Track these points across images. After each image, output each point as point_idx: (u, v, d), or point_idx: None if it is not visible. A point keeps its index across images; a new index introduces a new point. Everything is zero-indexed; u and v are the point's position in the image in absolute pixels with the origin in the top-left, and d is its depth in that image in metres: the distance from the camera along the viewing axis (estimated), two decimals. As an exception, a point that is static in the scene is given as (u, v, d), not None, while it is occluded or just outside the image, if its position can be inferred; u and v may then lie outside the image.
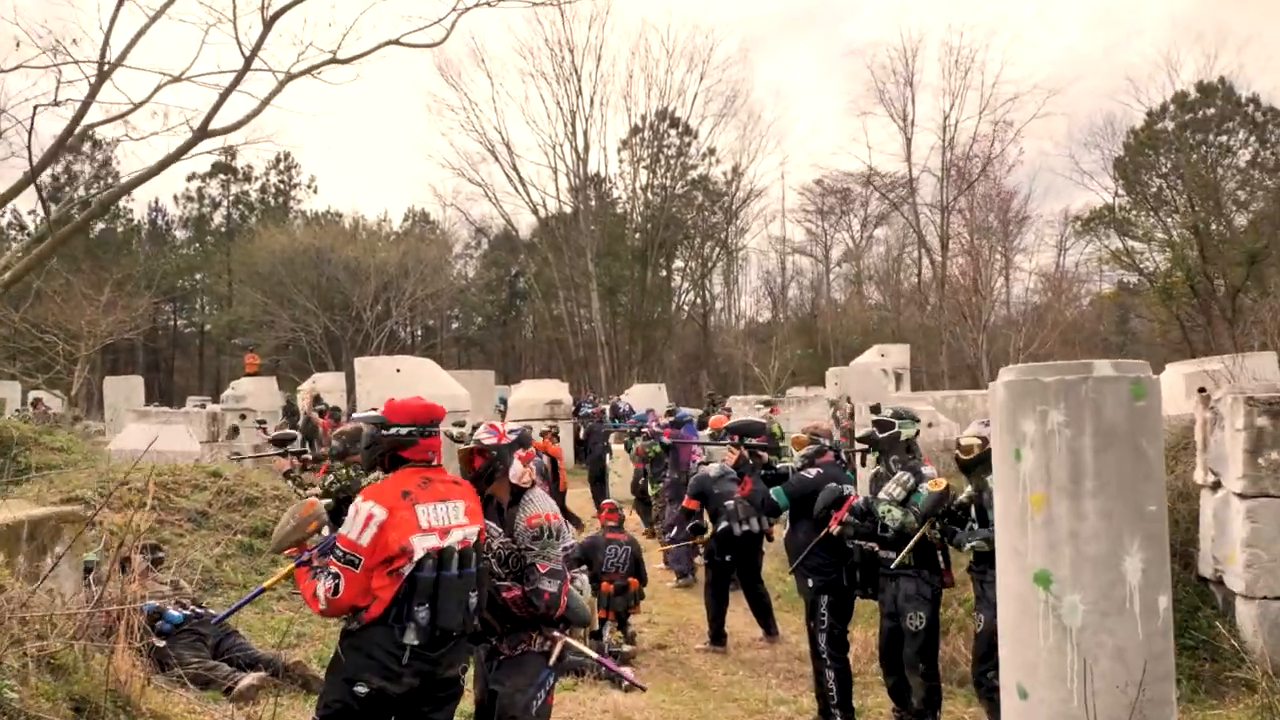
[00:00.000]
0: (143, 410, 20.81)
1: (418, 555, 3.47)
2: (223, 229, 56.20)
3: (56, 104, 7.40)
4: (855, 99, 64.24)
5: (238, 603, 5.43)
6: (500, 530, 4.12)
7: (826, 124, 74.11)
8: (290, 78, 8.45)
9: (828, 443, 6.36)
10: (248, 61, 7.92)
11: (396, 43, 8.44)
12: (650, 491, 13.32)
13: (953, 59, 41.58)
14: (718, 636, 8.41)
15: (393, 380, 15.07)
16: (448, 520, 3.60)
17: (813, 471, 6.19)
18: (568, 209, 46.69)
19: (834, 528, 5.89)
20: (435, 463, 3.80)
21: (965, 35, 52.18)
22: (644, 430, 13.47)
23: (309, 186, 58.19)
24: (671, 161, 48.30)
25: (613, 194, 50.06)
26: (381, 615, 3.46)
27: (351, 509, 3.51)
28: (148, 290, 43.47)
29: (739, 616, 8.80)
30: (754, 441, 6.64)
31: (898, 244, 48.18)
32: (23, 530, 5.04)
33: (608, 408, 21.02)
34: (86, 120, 7.76)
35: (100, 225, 52.66)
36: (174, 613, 5.69)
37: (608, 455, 16.01)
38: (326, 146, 51.99)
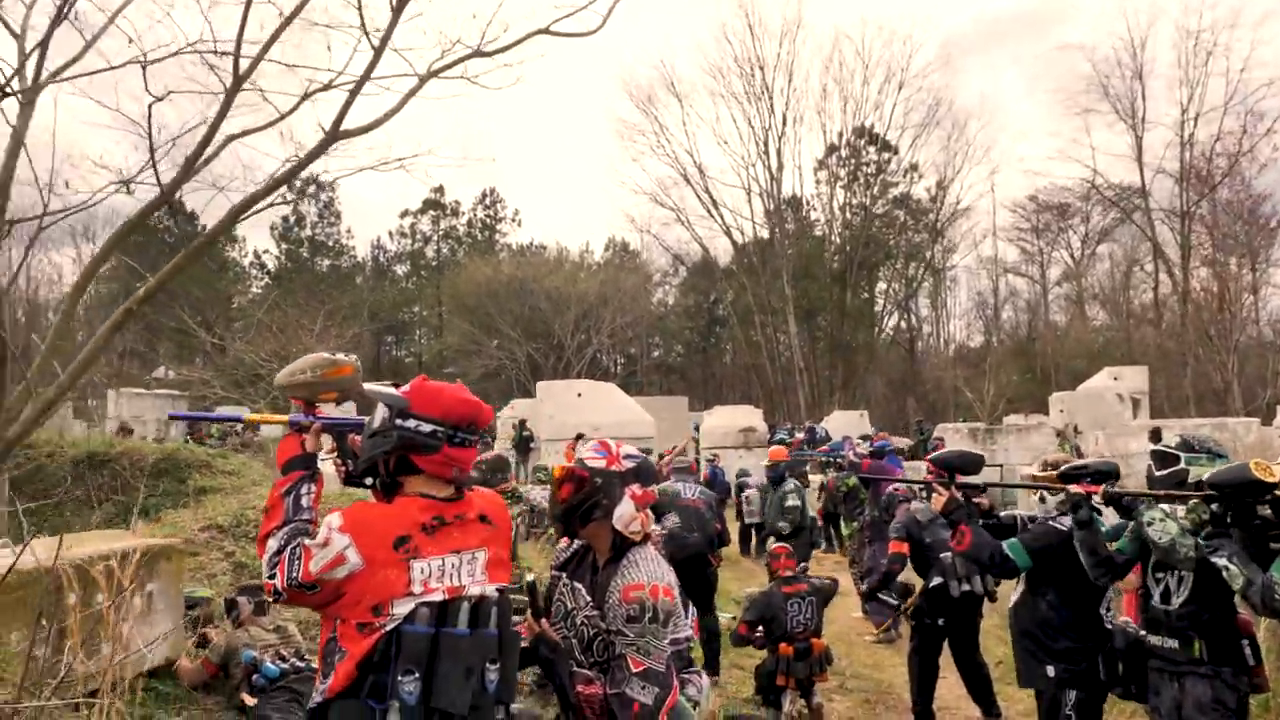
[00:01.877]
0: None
1: (401, 611, 2.44)
2: (434, 263, 58.58)
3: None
4: (1073, 96, 59.61)
5: (200, 414, 4.54)
6: (588, 598, 2.95)
7: (1040, 129, 69.60)
8: (431, 74, 7.91)
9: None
10: (378, 52, 7.45)
11: (547, 31, 7.72)
12: (844, 531, 12.03)
13: (1191, 43, 37.78)
14: (924, 716, 6.98)
15: (574, 405, 14.51)
16: (457, 578, 2.54)
17: (1065, 521, 4.55)
18: (763, 231, 45.67)
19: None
20: (459, 484, 2.68)
21: (1205, 16, 46.89)
22: (837, 460, 12.19)
23: (513, 220, 60.05)
24: (870, 179, 46.61)
25: (809, 215, 48.71)
26: (350, 685, 2.41)
27: (324, 526, 2.47)
28: (371, 322, 46.18)
29: (951, 686, 7.33)
30: (970, 480, 5.21)
31: (1125, 259, 44.27)
32: (108, 564, 4.45)
33: (803, 434, 19.75)
34: (226, 131, 7.38)
35: (326, 262, 56.32)
36: (271, 666, 5.01)
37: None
38: (491, 159, 52.93)
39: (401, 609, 2.41)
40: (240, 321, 36.38)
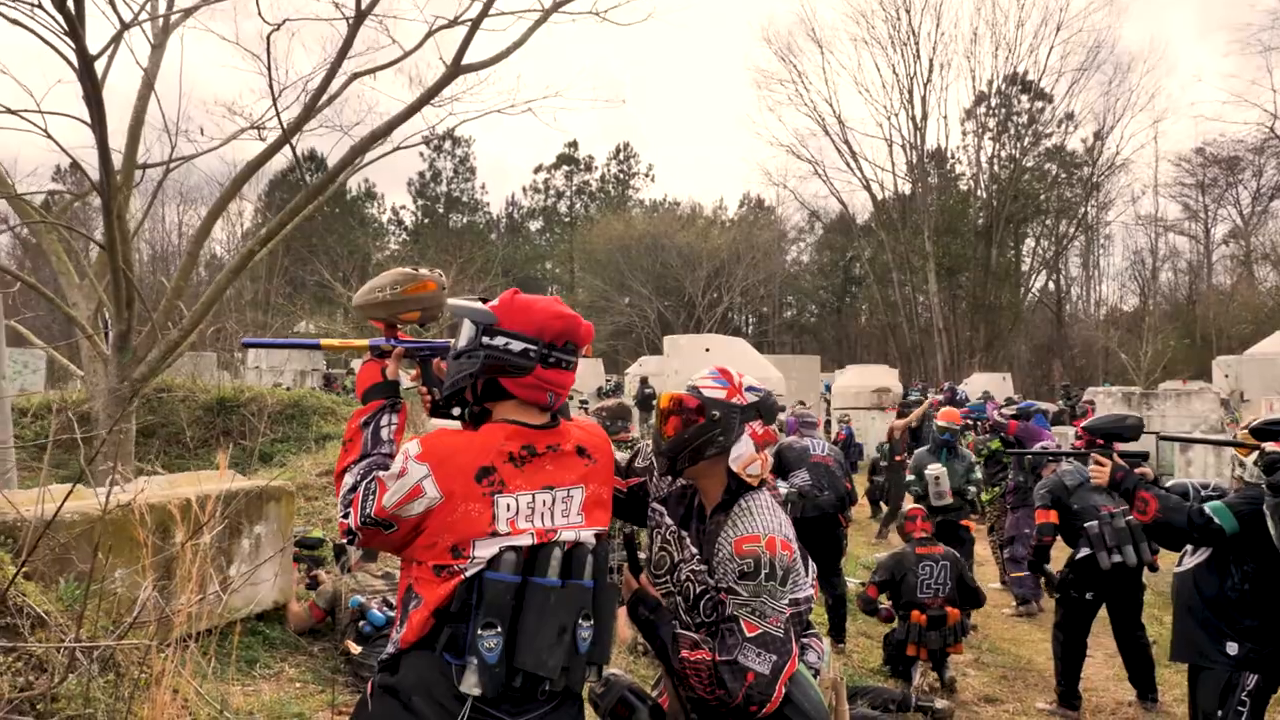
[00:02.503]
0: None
1: (485, 554, 2.12)
2: (566, 219, 58.97)
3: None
4: (1254, 34, 54.99)
5: (275, 340, 4.14)
6: (695, 550, 2.55)
7: (1213, 71, 64.75)
8: (555, 7, 7.55)
9: None
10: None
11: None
12: (983, 497, 11.33)
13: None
14: (1069, 696, 6.38)
15: (702, 360, 14.06)
16: (549, 519, 2.21)
17: None
18: (904, 185, 44.06)
19: None
20: (555, 411, 2.33)
21: None
22: (980, 422, 11.46)
23: (647, 175, 59.84)
24: (1021, 130, 44.29)
25: (954, 168, 46.69)
26: (425, 636, 2.12)
27: (400, 455, 2.18)
28: (504, 278, 46.89)
29: (1098, 665, 6.71)
30: (1129, 448, 4.52)
31: (1303, 214, 40.74)
32: (210, 506, 4.34)
33: (941, 396, 18.88)
34: (349, 70, 7.25)
35: (462, 218, 57.44)
36: (377, 613, 4.85)
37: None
38: (621, 100, 52.43)
39: (484, 551, 2.11)
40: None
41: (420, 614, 2.10)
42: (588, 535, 2.27)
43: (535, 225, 60.53)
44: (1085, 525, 5.97)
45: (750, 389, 2.58)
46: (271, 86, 7.02)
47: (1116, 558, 5.82)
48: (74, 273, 7.86)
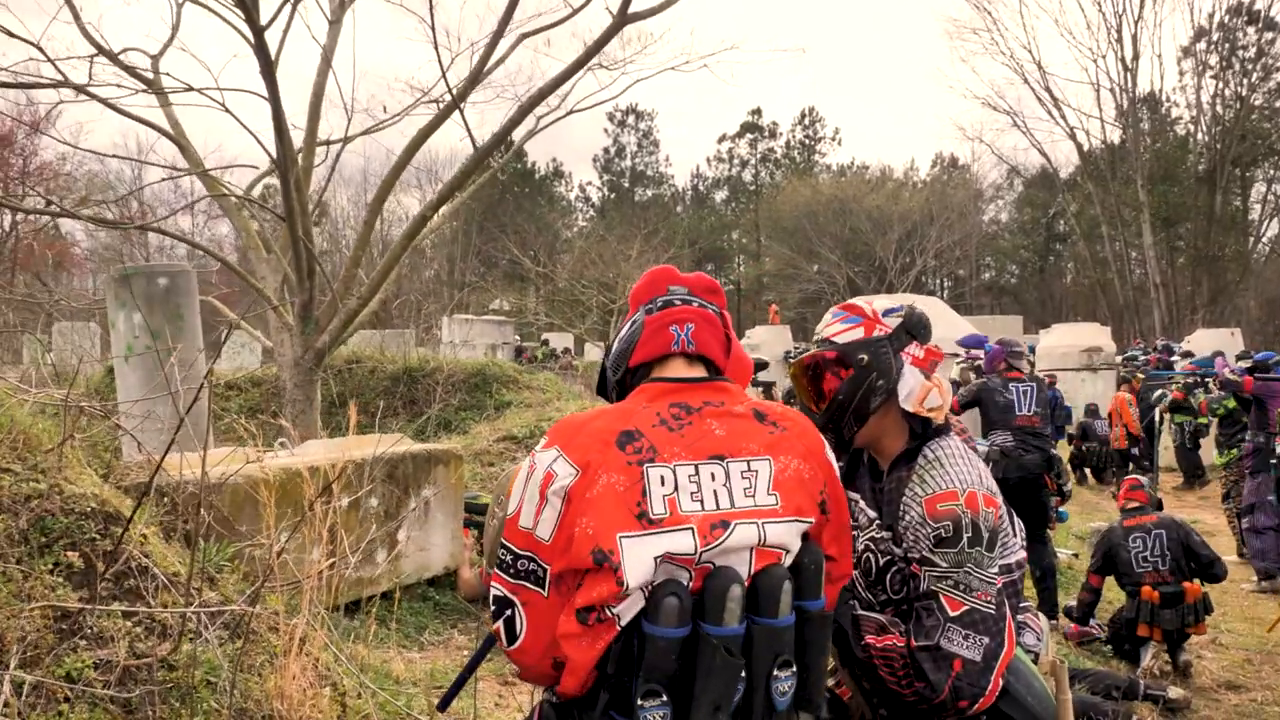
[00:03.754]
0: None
1: (634, 580, 1.56)
2: (752, 187, 58.32)
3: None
4: None
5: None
6: (871, 514, 2.10)
7: None
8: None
9: None
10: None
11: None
12: (1218, 460, 10.23)
13: None
14: (1326, 678, 5.62)
15: (892, 322, 13.43)
16: (725, 500, 1.64)
17: None
18: (1113, 133, 40.89)
19: None
20: (708, 359, 1.83)
21: None
22: (1210, 379, 10.32)
23: (833, 139, 58.33)
24: (1248, 65, 40.12)
25: (1169, 112, 42.96)
26: (582, 699, 1.66)
27: (524, 466, 1.71)
28: (690, 249, 47.05)
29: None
30: None
31: None
32: (375, 469, 4.27)
33: (1158, 354, 17.36)
34: (516, 31, 7.13)
35: (648, 192, 57.76)
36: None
37: (1156, 411, 12.82)
38: (801, 50, 50.84)
39: (636, 557, 1.57)
40: (567, 254, 38.19)
41: (574, 678, 1.63)
42: (787, 531, 1.70)
43: (720, 196, 60.19)
44: None
45: (888, 312, 2.12)
46: (436, 49, 6.97)
47: None
48: (262, 247, 8.14)
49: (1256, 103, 40.48)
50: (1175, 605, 5.70)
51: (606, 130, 57.66)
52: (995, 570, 1.94)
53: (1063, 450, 13.61)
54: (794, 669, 1.66)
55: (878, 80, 73.31)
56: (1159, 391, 12.60)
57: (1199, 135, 41.41)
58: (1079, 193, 43.13)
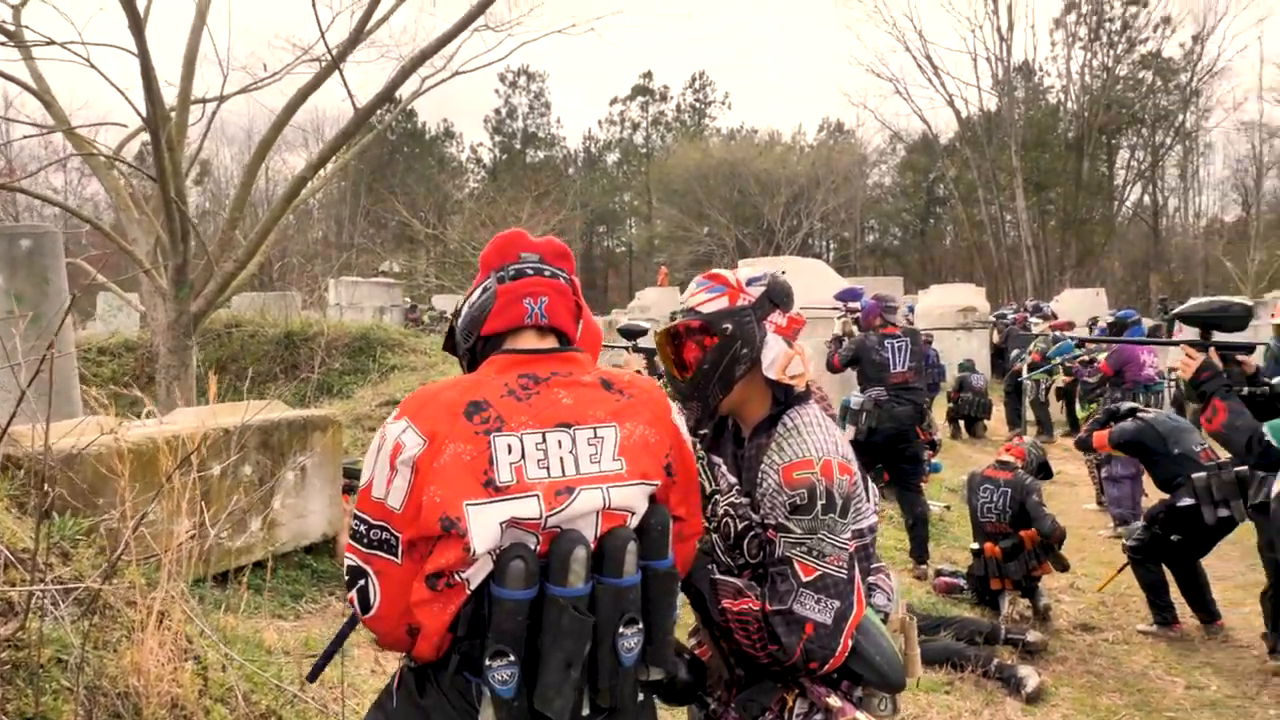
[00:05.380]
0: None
1: (481, 546, 1.61)
2: (643, 150, 58.26)
3: None
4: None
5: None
6: (732, 480, 2.13)
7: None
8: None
9: None
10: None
11: None
12: (1080, 413, 10.79)
13: None
14: (1164, 612, 6.03)
15: (777, 283, 13.66)
16: (571, 466, 1.71)
17: None
18: (989, 100, 42.24)
19: None
20: (560, 331, 1.88)
21: None
22: (1071, 363, 10.93)
23: (723, 103, 58.59)
24: (1114, 37, 41.98)
25: (1042, 81, 44.60)
26: (435, 662, 1.72)
27: (376, 438, 1.74)
28: (580, 211, 46.93)
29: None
30: (1227, 339, 3.95)
31: None
32: (246, 436, 4.16)
33: (1029, 313, 18.13)
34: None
35: (540, 154, 57.09)
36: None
37: (1024, 367, 13.44)
38: (688, 14, 50.28)
39: (482, 523, 1.61)
40: (458, 215, 37.58)
41: (428, 641, 1.68)
42: (628, 495, 1.76)
43: (612, 158, 59.94)
44: (1194, 477, 5.51)
45: (751, 281, 2.15)
46: (314, 6, 6.73)
47: (1224, 511, 5.36)
48: (133, 208, 7.80)
49: (1121, 73, 42.41)
50: (1017, 556, 6.03)
51: (498, 91, 56.73)
52: (848, 536, 2.00)
53: (939, 405, 14.15)
54: (640, 626, 1.73)
55: (767, 45, 73.88)
56: (1017, 351, 13.26)
57: (1069, 104, 43.16)
58: (957, 158, 44.47)
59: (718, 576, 2.07)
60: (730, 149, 49.63)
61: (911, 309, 22.88)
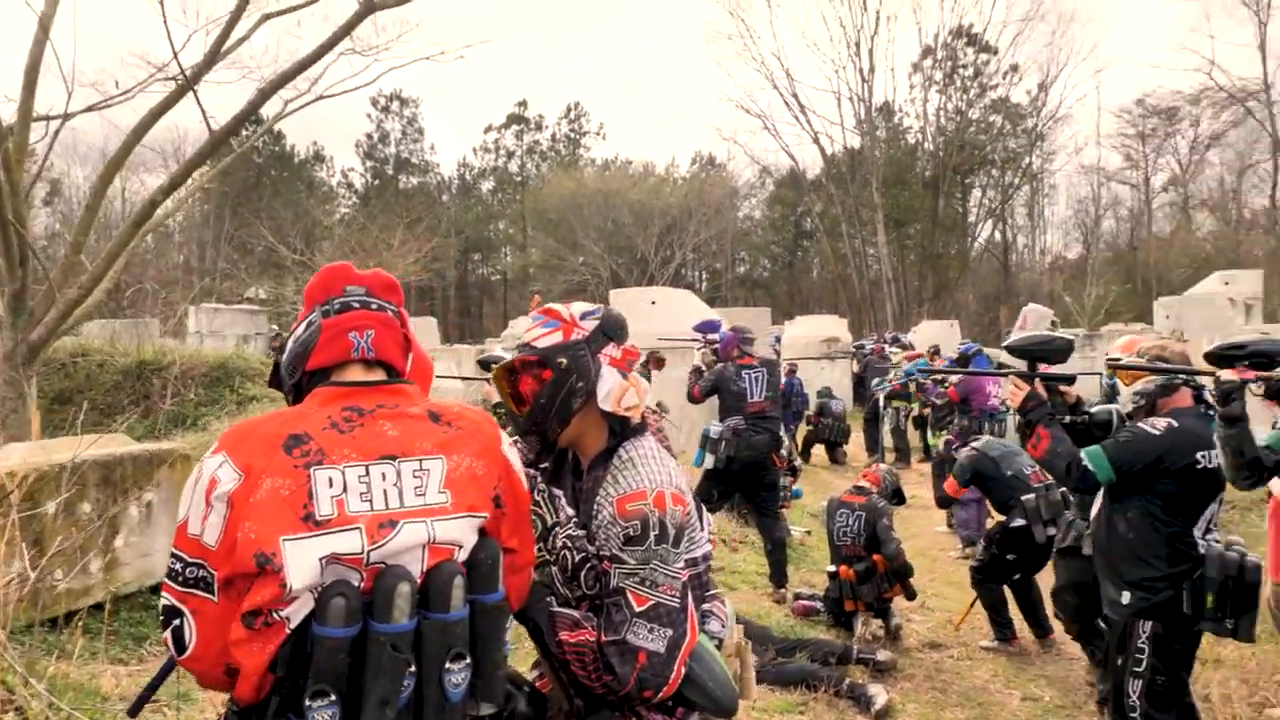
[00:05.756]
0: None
1: (298, 582, 1.59)
2: (518, 178, 58.16)
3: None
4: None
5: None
6: (570, 512, 2.17)
7: (1154, 19, 64.91)
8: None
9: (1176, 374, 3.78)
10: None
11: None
12: (931, 440, 11.27)
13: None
14: (1004, 629, 6.38)
15: (647, 313, 13.83)
16: (395, 499, 1.70)
17: (1160, 424, 3.76)
18: (853, 138, 43.92)
19: None
20: (390, 365, 1.88)
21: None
22: (918, 382, 11.45)
23: (598, 134, 58.98)
24: (967, 83, 44.41)
25: (902, 121, 46.67)
26: (257, 704, 1.66)
27: (194, 473, 1.71)
28: (454, 238, 46.44)
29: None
30: (1053, 371, 4.21)
31: (1239, 160, 41.30)
32: (85, 472, 4.00)
33: (887, 344, 18.85)
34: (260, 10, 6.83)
35: (413, 179, 56.28)
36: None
37: (882, 396, 13.98)
38: (557, 45, 50.57)
39: (300, 559, 1.58)
40: (327, 241, 36.67)
41: (247, 683, 1.63)
42: (454, 528, 1.75)
43: (487, 186, 59.54)
44: (1023, 499, 5.91)
45: (585, 315, 2.23)
46: (165, 24, 6.57)
47: (1052, 530, 5.75)
48: (-34, 232, 7.38)
49: (974, 117, 44.71)
50: (870, 578, 6.28)
51: (370, 116, 55.69)
52: (680, 565, 2.07)
53: (801, 432, 14.59)
54: (468, 661, 1.73)
55: (641, 78, 74.97)
56: (878, 380, 13.81)
57: (926, 144, 45.12)
58: (823, 193, 45.91)
59: (556, 609, 2.10)
60: (605, 179, 50.00)
61: (778, 339, 23.53)
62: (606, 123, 61.54)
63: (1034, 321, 10.72)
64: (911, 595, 6.48)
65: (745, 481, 7.40)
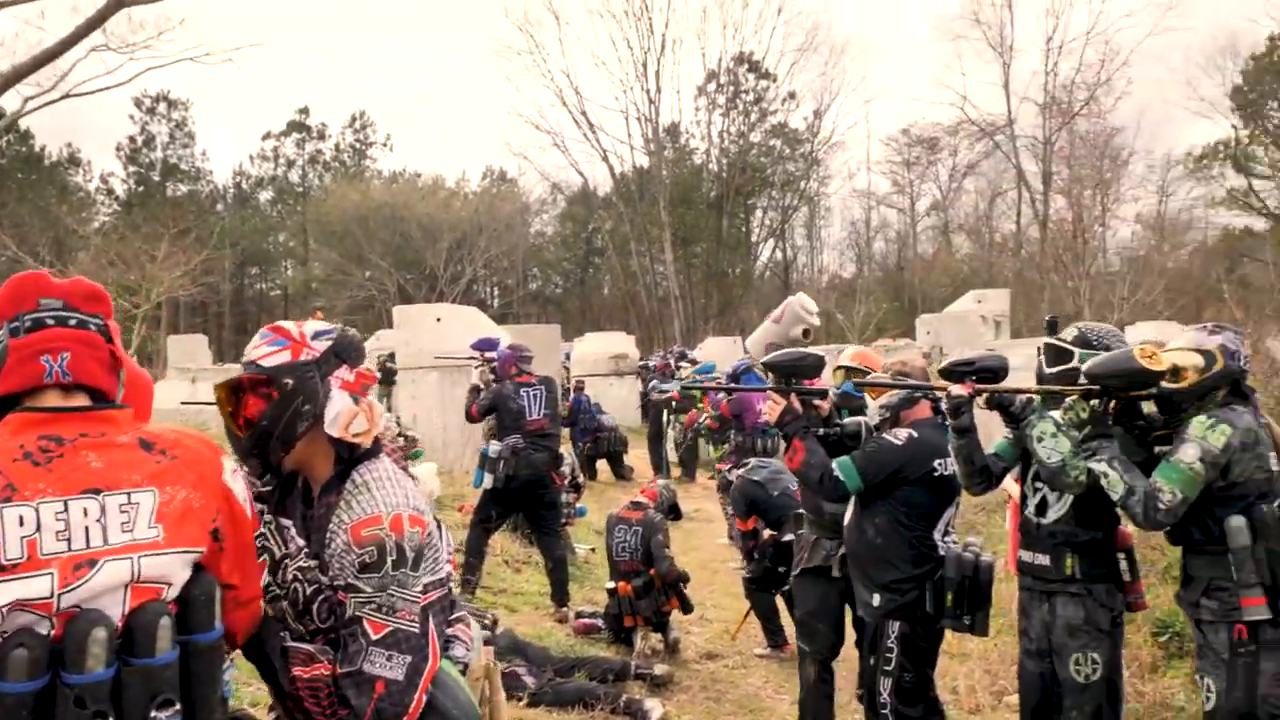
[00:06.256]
0: (183, 368, 19.95)
1: None
2: (299, 189, 55.82)
3: None
4: (947, 21, 60.24)
5: None
6: (302, 543, 2.08)
7: (915, 55, 70.21)
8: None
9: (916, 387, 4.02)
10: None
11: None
12: (713, 454, 11.57)
13: (1057, -31, 38.45)
14: (776, 636, 6.60)
15: (433, 330, 13.52)
16: (97, 537, 1.55)
17: (901, 434, 4.01)
18: (641, 158, 44.90)
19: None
20: (95, 389, 1.70)
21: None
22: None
23: (385, 145, 57.37)
24: (749, 107, 46.28)
25: (688, 142, 48.16)
26: None
27: None
28: (229, 250, 43.92)
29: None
30: (807, 385, 4.35)
31: (990, 189, 45.33)
32: None
33: (673, 360, 19.27)
34: None
35: (182, 187, 52.87)
36: None
37: (665, 412, 14.25)
38: (333, 53, 49.29)
39: None
40: (83, 251, 33.83)
41: None
42: (164, 564, 1.61)
43: (266, 196, 56.71)
44: (794, 513, 6.07)
45: (318, 335, 2.13)
46: None
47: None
48: None
49: (755, 140, 46.69)
50: (648, 593, 6.35)
51: (133, 117, 51.77)
52: (420, 589, 1.99)
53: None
54: (177, 707, 1.59)
55: (431, 90, 73.70)
56: (661, 390, 14.14)
57: (711, 165, 46.65)
58: (613, 211, 46.64)
59: (290, 644, 1.98)
60: (392, 192, 48.83)
61: (568, 356, 23.62)
62: (394, 134, 60.00)
63: (789, 318, 11.05)
64: (688, 608, 6.58)
65: (525, 500, 7.33)
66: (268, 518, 2.07)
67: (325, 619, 1.99)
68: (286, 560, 2.03)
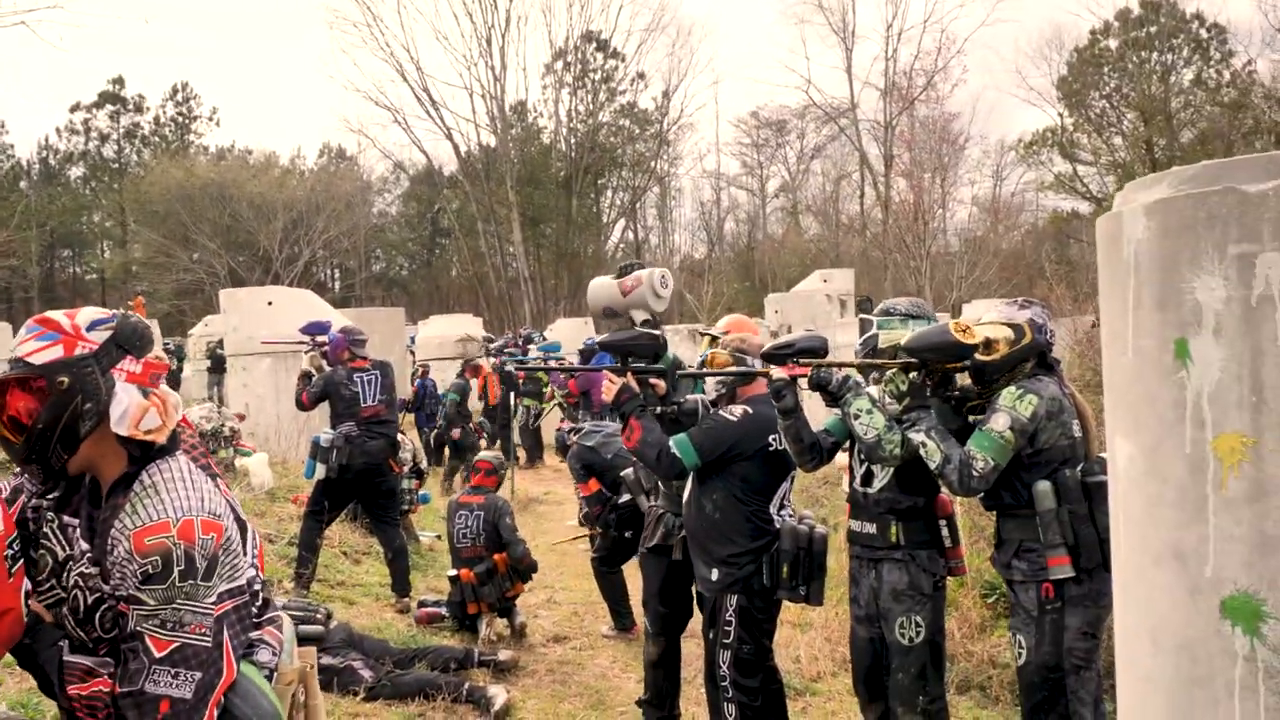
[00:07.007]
0: (-13, 358, 18.56)
1: None
2: (114, 165, 52.36)
3: None
4: (791, 6, 61.35)
5: None
6: (85, 546, 1.91)
7: (762, 38, 71.66)
8: None
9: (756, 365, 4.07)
10: None
11: None
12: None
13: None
14: (623, 619, 6.60)
15: (264, 314, 12.93)
16: None
17: (736, 411, 4.06)
18: (487, 136, 44.17)
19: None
20: None
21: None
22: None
23: (211, 119, 54.41)
24: (598, 86, 46.09)
25: (536, 121, 47.66)
26: None
27: None
28: (37, 231, 40.86)
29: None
30: (643, 365, 4.33)
31: (836, 171, 46.72)
32: None
33: (522, 341, 19.12)
34: None
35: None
36: None
37: (513, 394, 14.08)
38: (145, 20, 46.18)
39: None
40: None
41: None
42: None
43: (77, 172, 52.90)
44: (623, 473, 6.05)
45: (94, 325, 1.93)
46: None
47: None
48: None
49: (604, 120, 46.56)
50: (492, 579, 6.24)
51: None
52: (213, 600, 1.84)
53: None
54: None
55: (261, 62, 70.50)
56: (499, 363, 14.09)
57: (560, 145, 46.35)
58: (459, 190, 45.85)
59: (68, 657, 1.82)
60: (220, 169, 46.38)
61: (413, 339, 23.10)
62: (221, 108, 56.92)
63: (637, 296, 11.13)
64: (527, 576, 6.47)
65: (362, 490, 7.07)
66: (50, 515, 1.93)
67: (109, 629, 1.85)
68: (70, 562, 1.88)
